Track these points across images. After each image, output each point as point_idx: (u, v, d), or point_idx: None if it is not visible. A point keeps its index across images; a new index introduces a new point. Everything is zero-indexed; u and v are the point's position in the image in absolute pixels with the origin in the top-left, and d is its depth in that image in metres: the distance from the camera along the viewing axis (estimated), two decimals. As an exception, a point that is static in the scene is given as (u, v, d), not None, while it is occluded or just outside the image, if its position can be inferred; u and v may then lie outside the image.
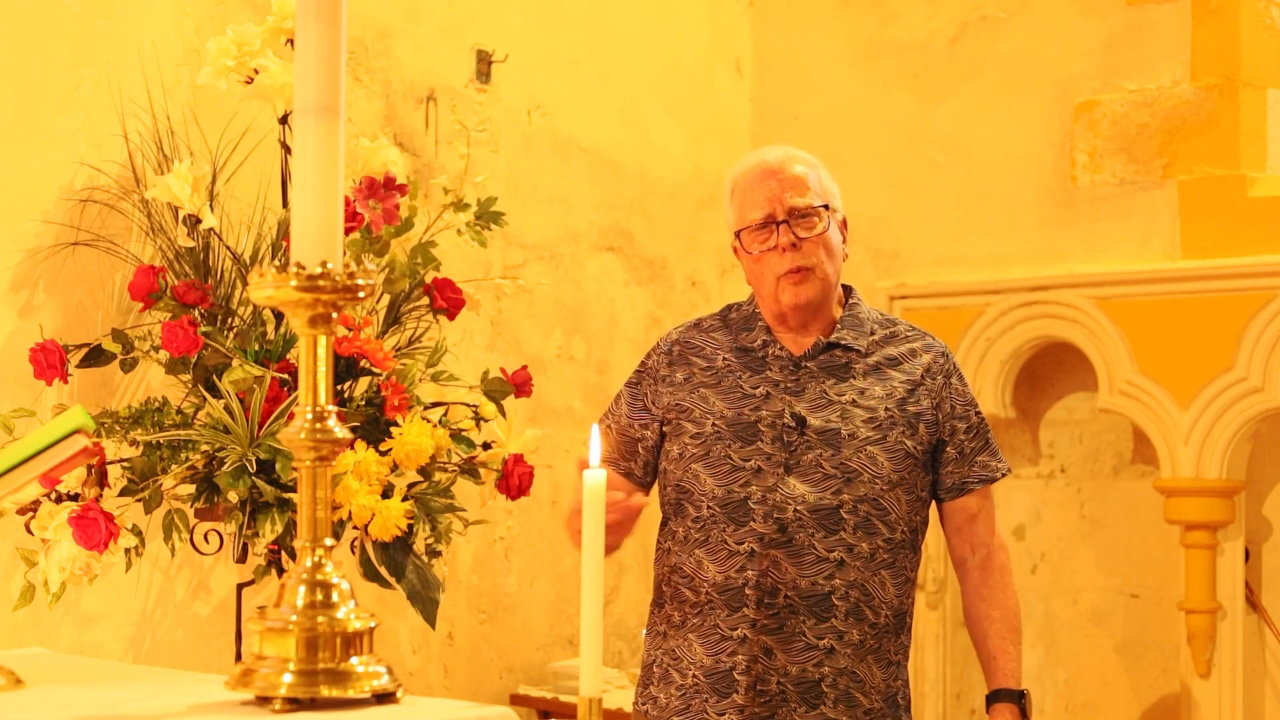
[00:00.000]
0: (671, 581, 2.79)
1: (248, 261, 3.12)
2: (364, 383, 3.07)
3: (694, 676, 2.74)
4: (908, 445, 2.73)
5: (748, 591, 2.69)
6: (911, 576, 2.79)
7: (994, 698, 2.80)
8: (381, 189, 3.10)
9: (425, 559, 3.00)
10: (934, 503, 2.85)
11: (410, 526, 2.90)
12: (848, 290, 2.87)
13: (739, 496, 2.71)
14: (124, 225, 3.27)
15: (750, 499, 2.70)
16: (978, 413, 2.85)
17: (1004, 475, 2.86)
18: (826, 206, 2.76)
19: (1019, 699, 2.78)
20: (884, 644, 2.73)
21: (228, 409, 2.83)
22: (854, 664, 2.70)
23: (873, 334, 2.81)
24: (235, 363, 2.91)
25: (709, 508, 2.73)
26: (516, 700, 4.19)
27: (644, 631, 2.91)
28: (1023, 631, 2.88)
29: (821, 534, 2.68)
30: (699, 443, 2.75)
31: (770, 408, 2.73)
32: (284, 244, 3.07)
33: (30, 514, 2.81)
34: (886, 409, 2.73)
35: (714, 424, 2.75)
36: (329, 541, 1.66)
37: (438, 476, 3.01)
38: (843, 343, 2.77)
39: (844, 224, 2.82)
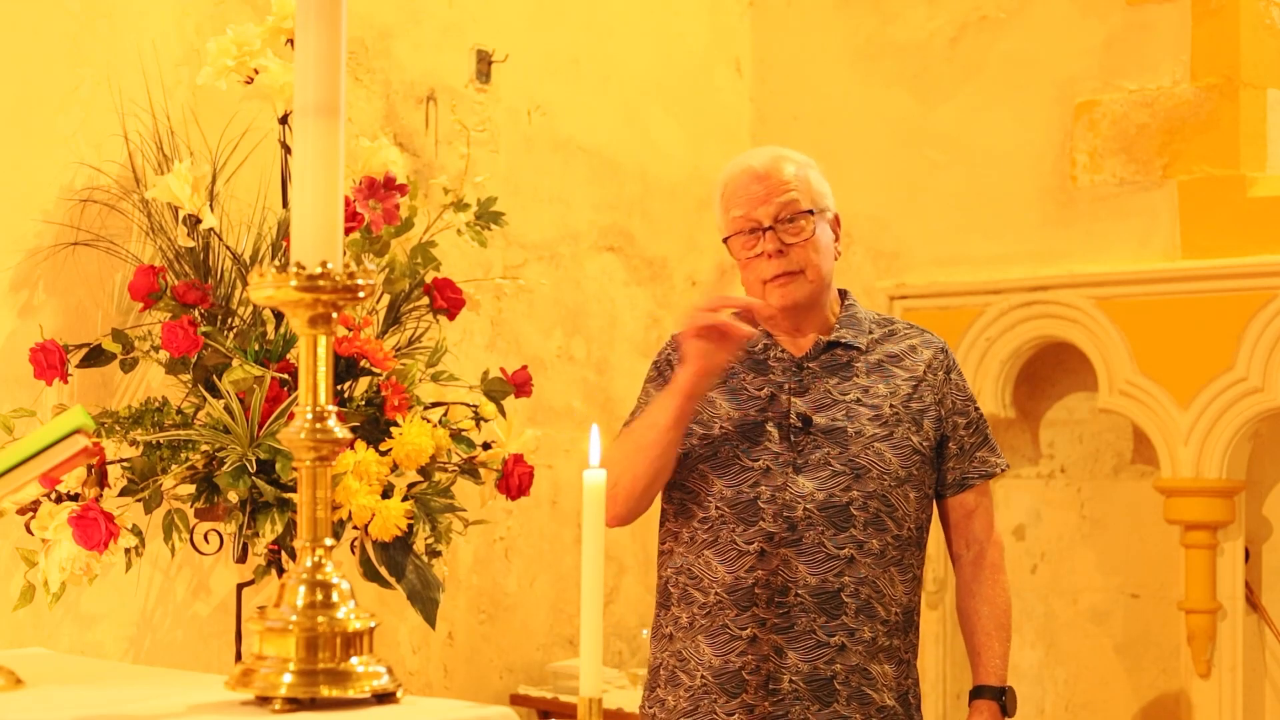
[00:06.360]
0: (679, 583, 2.78)
1: (248, 261, 3.12)
2: (364, 383, 3.07)
3: (702, 677, 2.73)
4: (914, 441, 2.74)
5: (757, 590, 2.68)
6: (919, 574, 2.80)
7: (975, 694, 2.81)
8: (381, 189, 3.10)
9: (425, 559, 3.00)
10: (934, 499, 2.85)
11: (410, 526, 2.90)
12: (843, 294, 2.86)
13: (748, 496, 2.70)
14: (124, 225, 3.27)
15: (759, 498, 2.69)
16: (976, 408, 2.86)
17: (1003, 471, 2.87)
18: (812, 211, 2.73)
19: (999, 696, 2.78)
20: (894, 641, 2.73)
21: (228, 409, 2.83)
22: (866, 661, 2.69)
23: (871, 333, 2.81)
24: (235, 363, 2.91)
25: (717, 508, 2.72)
26: (516, 700, 4.19)
27: (645, 632, 2.91)
28: (1013, 629, 2.90)
29: (831, 531, 2.67)
30: (706, 444, 2.74)
31: (776, 409, 2.72)
32: (284, 244, 3.07)
33: (30, 514, 2.81)
34: (891, 406, 2.73)
35: (721, 426, 2.74)
36: (329, 541, 1.66)
37: (438, 476, 3.01)
38: (843, 341, 2.77)
39: (836, 221, 2.79)
